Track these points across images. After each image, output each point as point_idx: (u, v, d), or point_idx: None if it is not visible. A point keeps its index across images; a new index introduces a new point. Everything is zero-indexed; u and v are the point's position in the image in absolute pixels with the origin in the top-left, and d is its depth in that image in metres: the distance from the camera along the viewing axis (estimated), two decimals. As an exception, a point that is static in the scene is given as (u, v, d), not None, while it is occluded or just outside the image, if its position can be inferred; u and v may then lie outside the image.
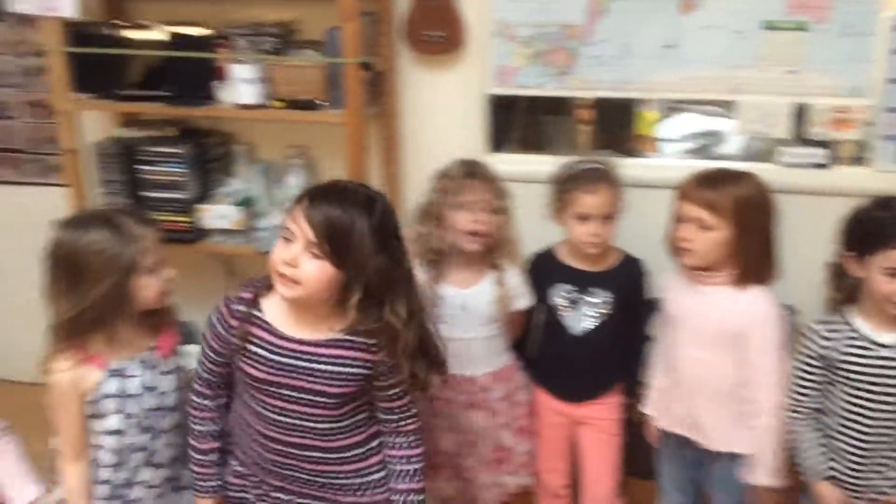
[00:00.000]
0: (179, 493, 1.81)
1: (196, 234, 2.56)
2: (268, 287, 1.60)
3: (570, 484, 2.27)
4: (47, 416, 1.70)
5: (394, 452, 1.69)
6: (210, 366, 1.68)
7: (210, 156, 2.65)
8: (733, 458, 1.99)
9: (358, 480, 1.68)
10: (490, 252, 2.06)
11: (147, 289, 1.67)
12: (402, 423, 1.68)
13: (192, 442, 1.74)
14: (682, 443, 2.07)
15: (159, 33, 2.46)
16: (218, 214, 2.54)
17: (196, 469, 1.75)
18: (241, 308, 1.61)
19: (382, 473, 1.69)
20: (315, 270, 1.49)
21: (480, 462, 2.12)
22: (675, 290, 2.03)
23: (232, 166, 2.72)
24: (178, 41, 2.43)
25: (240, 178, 2.67)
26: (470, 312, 2.05)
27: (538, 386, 2.21)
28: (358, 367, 1.58)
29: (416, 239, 2.05)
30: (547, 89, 2.54)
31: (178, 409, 1.76)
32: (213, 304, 1.69)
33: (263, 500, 1.72)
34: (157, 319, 1.75)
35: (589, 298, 2.12)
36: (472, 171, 2.04)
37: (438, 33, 2.49)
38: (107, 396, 1.66)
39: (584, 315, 2.13)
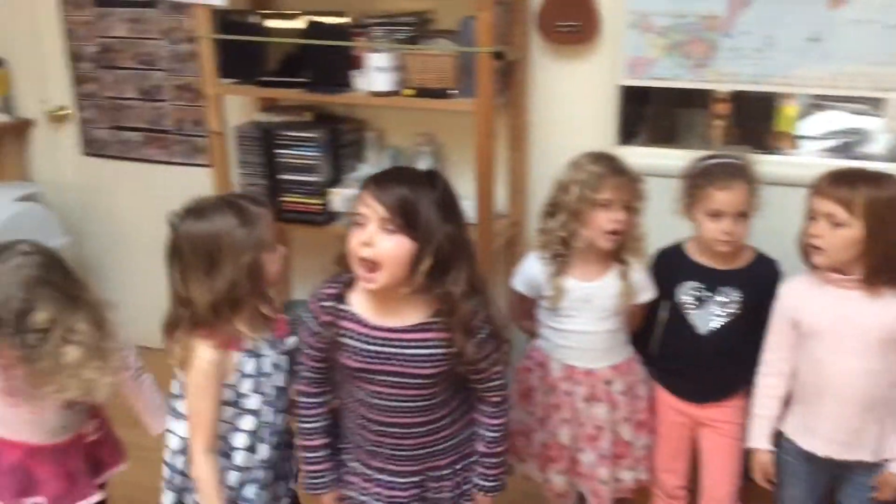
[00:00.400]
0: (276, 482, 1.85)
1: (327, 217, 2.65)
2: (350, 282, 1.66)
3: (688, 485, 2.22)
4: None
5: (479, 417, 1.77)
6: (311, 363, 1.73)
7: (342, 141, 2.73)
8: (870, 467, 1.91)
9: (452, 442, 1.75)
10: (618, 247, 2.03)
11: (273, 264, 1.73)
12: (486, 393, 1.74)
13: (303, 441, 1.78)
14: (818, 463, 1.96)
15: (299, 22, 2.55)
16: (348, 198, 2.61)
17: (309, 468, 1.79)
18: (329, 304, 1.67)
19: (471, 429, 1.78)
20: (392, 245, 1.55)
21: (600, 456, 2.10)
22: (806, 296, 1.93)
23: (363, 151, 2.80)
24: (317, 30, 2.51)
25: (370, 163, 2.75)
26: (593, 306, 2.04)
27: (659, 384, 2.17)
28: (442, 346, 1.63)
29: (543, 231, 2.05)
30: (682, 81, 2.49)
31: (288, 389, 1.80)
32: None
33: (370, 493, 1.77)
34: (271, 303, 1.81)
35: (718, 297, 2.06)
36: (613, 168, 1.99)
37: (572, 23, 2.47)
38: (245, 376, 1.71)
39: (711, 314, 2.07)
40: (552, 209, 2.04)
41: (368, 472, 1.76)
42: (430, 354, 1.63)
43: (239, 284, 1.66)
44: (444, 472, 1.76)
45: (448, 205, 1.61)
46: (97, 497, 1.85)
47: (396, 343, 1.63)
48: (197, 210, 1.73)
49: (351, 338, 1.65)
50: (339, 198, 2.61)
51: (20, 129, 3.35)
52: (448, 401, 1.71)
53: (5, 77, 3.30)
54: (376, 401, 1.67)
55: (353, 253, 1.59)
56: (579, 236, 2.00)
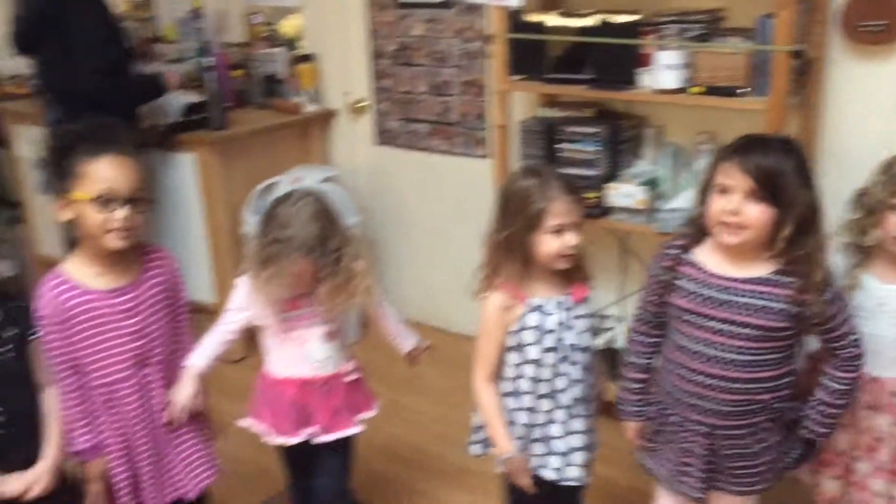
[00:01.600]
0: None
1: (601, 211, 2.73)
2: (696, 240, 1.81)
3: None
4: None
5: (828, 370, 1.83)
6: (646, 304, 1.90)
7: (622, 137, 2.79)
8: None
9: (766, 407, 1.80)
10: None
11: (544, 246, 1.84)
12: (840, 350, 1.80)
13: (625, 372, 1.98)
14: None
15: (589, 20, 2.64)
16: (624, 193, 2.67)
17: (624, 395, 1.99)
18: (674, 252, 1.83)
19: (789, 403, 1.83)
20: (758, 213, 1.67)
21: (877, 468, 2.01)
22: None
23: (641, 148, 2.84)
24: (607, 27, 2.60)
25: (648, 159, 2.79)
26: (887, 310, 1.95)
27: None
28: (784, 303, 1.71)
29: (845, 225, 2.00)
30: None
31: (588, 350, 1.94)
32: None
33: (679, 433, 1.88)
34: (574, 272, 1.93)
35: None
36: None
37: (879, 22, 2.36)
38: (526, 328, 1.88)
39: None
40: (856, 203, 1.99)
41: (688, 423, 1.85)
42: (766, 307, 1.72)
43: (506, 243, 1.85)
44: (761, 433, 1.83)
45: (805, 171, 1.72)
46: (357, 429, 2.16)
47: (733, 291, 1.74)
48: (526, 169, 2.00)
49: (687, 279, 1.79)
50: (615, 192, 2.68)
51: (325, 118, 3.75)
52: (772, 366, 1.77)
53: (316, 71, 3.70)
54: (700, 347, 1.77)
55: (715, 218, 1.72)
56: (872, 235, 1.93)
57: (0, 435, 1.77)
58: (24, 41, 3.31)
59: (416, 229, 3.66)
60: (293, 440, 2.10)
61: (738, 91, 2.39)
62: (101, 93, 3.10)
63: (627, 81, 2.59)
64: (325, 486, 2.22)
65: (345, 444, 2.18)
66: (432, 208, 3.61)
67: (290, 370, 2.10)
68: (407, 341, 2.28)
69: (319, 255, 1.96)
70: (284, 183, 3.45)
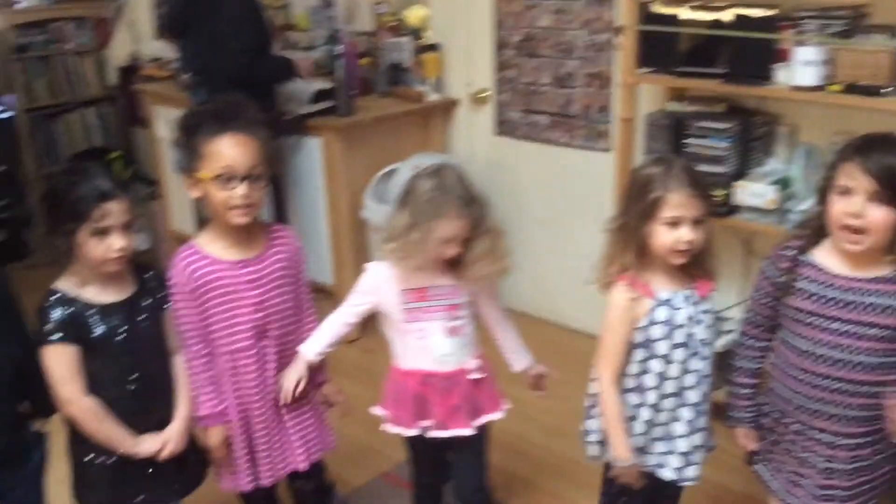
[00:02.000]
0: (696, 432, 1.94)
1: (728, 209, 2.65)
2: (813, 241, 1.76)
3: None
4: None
5: None
6: (758, 307, 1.86)
7: (753, 134, 2.71)
8: None
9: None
10: None
11: (658, 237, 1.79)
12: None
13: (735, 377, 1.94)
14: None
15: (723, 13, 2.56)
16: (753, 192, 2.59)
17: (735, 401, 1.94)
18: (791, 253, 1.78)
19: None
20: (882, 216, 1.62)
21: None
22: None
23: (772, 146, 2.75)
24: (743, 21, 2.51)
25: (779, 158, 2.69)
26: None
27: None
28: None
29: None
30: None
31: (709, 345, 1.89)
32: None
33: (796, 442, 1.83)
34: (695, 268, 1.87)
35: None
36: None
37: None
38: (655, 323, 1.84)
39: None
40: None
41: (810, 431, 1.80)
42: (892, 306, 1.67)
43: (622, 227, 1.84)
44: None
45: None
46: (471, 431, 2.07)
47: (858, 291, 1.69)
48: (658, 157, 2.00)
49: (808, 280, 1.74)
50: (743, 191, 2.60)
51: (447, 108, 3.79)
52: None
53: (439, 60, 3.74)
54: (825, 351, 1.72)
55: (836, 220, 1.67)
56: None
57: (136, 398, 1.88)
58: (175, 25, 3.49)
59: (532, 221, 3.65)
60: (409, 432, 2.09)
61: (882, 91, 2.27)
62: (247, 71, 3.23)
63: (763, 77, 2.51)
64: (463, 482, 2.21)
65: (479, 441, 2.15)
66: (549, 200, 3.59)
67: (414, 362, 2.07)
68: (520, 360, 2.20)
69: (472, 212, 1.94)
70: (405, 170, 3.52)
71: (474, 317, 2.11)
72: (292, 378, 2.06)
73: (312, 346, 2.10)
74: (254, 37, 3.30)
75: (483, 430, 2.14)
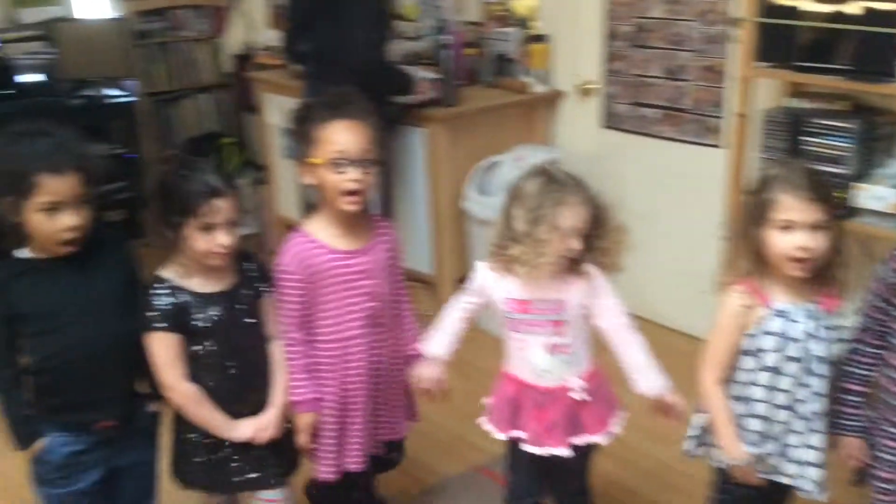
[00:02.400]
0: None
1: (846, 212, 2.52)
2: None
3: None
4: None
5: None
6: (874, 312, 1.79)
7: (876, 134, 2.57)
8: None
9: None
10: None
11: (773, 243, 1.71)
12: None
13: (845, 384, 1.85)
14: None
15: (848, 6, 2.43)
16: (874, 195, 2.46)
17: (845, 410, 1.86)
18: None
19: None
20: None
21: None
22: None
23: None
24: (869, 14, 2.37)
25: (904, 161, 2.54)
26: None
27: None
28: None
29: None
30: None
31: (829, 362, 1.80)
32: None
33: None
34: (822, 279, 1.77)
35: None
36: None
37: None
38: (767, 333, 1.76)
39: None
40: None
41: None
42: None
43: (743, 229, 1.77)
44: None
45: None
46: (568, 453, 1.96)
47: None
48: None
49: None
50: (864, 193, 2.46)
51: (552, 99, 3.73)
52: None
53: (547, 51, 3.69)
54: None
55: None
56: None
57: (234, 384, 1.93)
58: (303, 19, 3.53)
59: (635, 216, 3.51)
60: (499, 435, 2.05)
61: None
62: (373, 64, 3.24)
63: (889, 74, 2.37)
64: (567, 495, 2.17)
65: (580, 462, 2.06)
66: (655, 195, 3.49)
67: (515, 368, 2.01)
68: (648, 382, 1.95)
69: (590, 200, 1.87)
70: (507, 162, 3.50)
71: (589, 334, 2.00)
72: (429, 374, 2.06)
73: (440, 347, 2.06)
74: (382, 29, 3.31)
75: (584, 451, 2.03)
